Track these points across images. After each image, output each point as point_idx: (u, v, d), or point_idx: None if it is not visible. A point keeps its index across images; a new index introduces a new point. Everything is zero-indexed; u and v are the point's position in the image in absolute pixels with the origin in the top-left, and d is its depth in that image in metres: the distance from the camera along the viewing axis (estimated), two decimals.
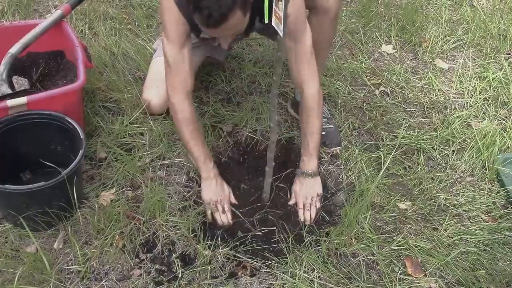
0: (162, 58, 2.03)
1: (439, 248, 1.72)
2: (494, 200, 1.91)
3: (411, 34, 2.73)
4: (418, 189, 1.93)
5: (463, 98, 2.39)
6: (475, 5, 3.03)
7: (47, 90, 1.86)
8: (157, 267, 1.60)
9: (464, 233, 1.77)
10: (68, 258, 1.59)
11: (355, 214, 1.75)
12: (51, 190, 1.54)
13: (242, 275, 1.60)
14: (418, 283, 1.61)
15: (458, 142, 2.13)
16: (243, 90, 2.28)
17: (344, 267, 1.64)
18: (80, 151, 1.60)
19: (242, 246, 1.68)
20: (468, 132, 2.18)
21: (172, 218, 1.72)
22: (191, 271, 1.59)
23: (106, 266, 1.58)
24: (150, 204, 1.72)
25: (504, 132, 2.18)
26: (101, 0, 2.79)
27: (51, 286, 1.51)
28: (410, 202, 1.87)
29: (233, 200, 1.82)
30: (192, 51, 1.95)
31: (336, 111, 2.23)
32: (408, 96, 2.37)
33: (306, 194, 1.81)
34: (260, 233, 1.74)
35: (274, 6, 1.30)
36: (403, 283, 1.61)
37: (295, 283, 1.56)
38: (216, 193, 1.76)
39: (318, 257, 1.65)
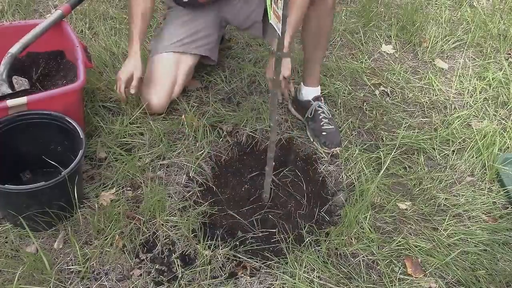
0: (158, 56, 2.05)
1: (439, 248, 1.72)
2: (494, 200, 1.91)
3: (411, 34, 2.73)
4: (418, 189, 1.93)
5: (463, 98, 2.39)
6: (475, 5, 3.03)
7: (47, 90, 1.86)
8: (157, 267, 1.60)
9: (464, 233, 1.77)
10: (68, 258, 1.59)
11: (355, 214, 1.75)
12: (51, 190, 1.53)
13: (242, 275, 1.60)
14: (418, 283, 1.61)
15: (458, 142, 2.13)
16: (243, 90, 2.28)
17: (344, 267, 1.64)
18: (80, 151, 1.60)
19: (242, 246, 1.68)
20: (468, 132, 2.18)
21: (172, 218, 1.72)
22: (191, 271, 1.59)
23: (106, 266, 1.58)
24: (150, 204, 1.72)
25: (504, 132, 2.18)
26: (101, 0, 2.79)
27: (51, 286, 1.51)
28: (410, 202, 1.87)
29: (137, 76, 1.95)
30: (184, 56, 2.06)
31: (336, 111, 2.23)
32: (408, 96, 2.37)
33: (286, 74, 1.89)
34: (260, 233, 1.74)
35: (273, 4, 1.30)
36: (403, 283, 1.61)
37: (295, 283, 1.56)
38: (125, 70, 1.94)
39: (318, 257, 1.65)
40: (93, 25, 2.58)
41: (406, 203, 1.87)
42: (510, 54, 2.69)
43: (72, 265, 1.57)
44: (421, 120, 2.25)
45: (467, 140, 2.14)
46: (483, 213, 1.86)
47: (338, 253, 1.68)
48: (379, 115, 2.25)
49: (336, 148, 2.03)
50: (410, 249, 1.70)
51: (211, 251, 1.63)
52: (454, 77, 2.51)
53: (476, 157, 2.06)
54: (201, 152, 1.96)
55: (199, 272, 1.58)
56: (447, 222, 1.80)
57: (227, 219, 1.78)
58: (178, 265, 1.60)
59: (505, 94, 2.40)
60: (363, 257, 1.67)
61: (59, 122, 1.71)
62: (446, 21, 2.87)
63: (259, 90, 2.30)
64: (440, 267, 1.66)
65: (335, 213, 1.83)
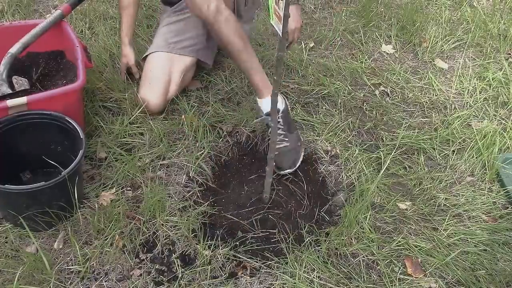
0: (151, 56, 2.06)
1: (439, 248, 1.72)
2: (494, 200, 1.91)
3: (411, 34, 2.73)
4: (418, 189, 1.93)
5: (463, 98, 2.39)
6: (475, 5, 3.04)
7: (47, 90, 1.86)
8: (157, 267, 1.60)
9: (464, 233, 1.77)
10: (68, 258, 1.59)
11: (355, 214, 1.75)
12: (51, 190, 1.53)
13: (242, 275, 1.60)
14: (418, 283, 1.61)
15: (458, 142, 2.13)
16: (243, 90, 2.28)
17: (344, 267, 1.64)
18: (80, 151, 1.60)
19: (242, 246, 1.68)
20: (468, 132, 2.18)
21: (172, 218, 1.72)
22: (191, 271, 1.59)
23: (106, 266, 1.58)
24: (150, 204, 1.73)
25: (504, 132, 2.18)
26: (101, 0, 2.79)
27: (51, 286, 1.51)
28: (410, 202, 1.87)
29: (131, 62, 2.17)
30: (176, 55, 2.08)
31: (336, 111, 2.23)
32: (408, 96, 2.37)
33: (295, 25, 1.96)
34: (260, 233, 1.74)
35: (274, 5, 1.30)
36: (403, 283, 1.61)
37: (295, 283, 1.56)
38: (121, 61, 2.20)
39: (318, 257, 1.65)
40: (93, 25, 2.58)
41: (406, 203, 1.87)
42: (510, 54, 2.69)
43: (72, 265, 1.57)
44: (421, 120, 2.25)
45: (467, 140, 2.14)
46: (483, 213, 1.86)
47: (338, 253, 1.68)
48: (379, 115, 2.25)
49: (288, 170, 1.90)
50: (410, 249, 1.70)
51: (211, 251, 1.63)
52: (454, 77, 2.51)
53: (476, 157, 2.06)
54: (201, 152, 1.96)
55: (199, 272, 1.58)
56: (447, 222, 1.80)
57: (227, 219, 1.78)
58: (178, 265, 1.60)
59: (505, 94, 2.40)
60: (363, 257, 1.67)
61: (59, 122, 1.71)
62: (446, 21, 2.87)
63: None
64: (440, 267, 1.66)
65: (335, 213, 1.83)
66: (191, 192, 1.84)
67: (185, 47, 2.11)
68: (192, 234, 1.68)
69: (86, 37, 2.50)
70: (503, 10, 3.01)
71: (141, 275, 1.57)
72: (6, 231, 1.64)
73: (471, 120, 2.27)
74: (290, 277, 1.58)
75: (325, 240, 1.70)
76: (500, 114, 2.30)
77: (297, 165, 1.93)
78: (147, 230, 1.69)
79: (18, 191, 1.52)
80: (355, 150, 2.03)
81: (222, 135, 2.06)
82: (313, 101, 2.28)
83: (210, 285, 1.56)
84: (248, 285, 1.57)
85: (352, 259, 1.66)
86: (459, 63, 2.59)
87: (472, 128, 2.21)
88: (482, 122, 2.25)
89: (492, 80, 2.47)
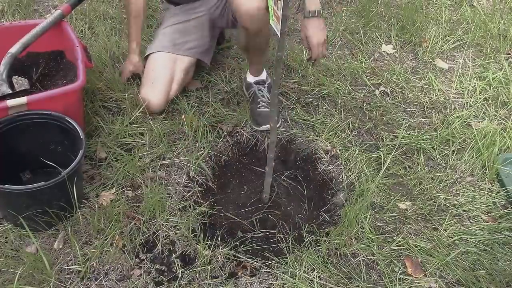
0: (153, 56, 2.08)
1: (439, 248, 1.72)
2: (494, 200, 1.91)
3: (411, 34, 2.73)
4: (418, 189, 1.93)
5: (463, 98, 2.39)
6: (475, 5, 3.03)
7: (47, 90, 1.86)
8: (157, 267, 1.60)
9: (464, 233, 1.77)
10: (68, 258, 1.59)
11: (355, 214, 1.75)
12: (51, 190, 1.53)
13: (242, 275, 1.60)
14: (418, 283, 1.61)
15: (458, 142, 2.13)
16: (243, 90, 2.28)
17: (344, 267, 1.64)
18: (80, 151, 1.60)
19: (242, 246, 1.68)
20: (468, 132, 2.18)
21: (172, 218, 1.72)
22: (191, 271, 1.59)
23: (106, 266, 1.58)
24: (150, 204, 1.72)
25: (504, 132, 2.18)
26: (101, 0, 2.79)
27: (51, 286, 1.51)
28: (410, 202, 1.87)
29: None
30: (184, 59, 2.11)
31: (336, 111, 2.23)
32: (408, 96, 2.37)
33: (318, 40, 1.83)
34: (260, 233, 1.74)
35: (273, 5, 1.30)
36: (403, 283, 1.61)
37: (295, 283, 1.56)
38: (126, 68, 2.19)
39: (318, 257, 1.65)
40: (93, 25, 2.58)
41: (406, 203, 1.87)
42: (510, 54, 2.69)
43: (72, 265, 1.57)
44: (421, 120, 2.25)
45: (467, 140, 2.14)
46: (483, 213, 1.86)
47: (338, 253, 1.68)
48: (379, 115, 2.25)
49: (265, 126, 2.08)
50: (410, 249, 1.70)
51: (211, 251, 1.63)
52: (454, 77, 2.51)
53: (476, 157, 2.06)
54: (201, 152, 1.96)
55: (199, 272, 1.58)
56: (447, 222, 1.80)
57: (227, 219, 1.78)
58: (178, 265, 1.60)
59: (505, 94, 2.40)
60: (363, 257, 1.67)
61: (59, 122, 1.71)
62: (446, 21, 2.87)
63: None
64: (440, 267, 1.66)
65: (335, 213, 1.83)
66: (191, 192, 1.83)
67: (190, 48, 2.14)
68: (192, 234, 1.68)
69: (86, 37, 2.50)
70: (503, 10, 3.01)
71: (141, 275, 1.57)
72: (6, 231, 1.64)
73: (471, 120, 2.27)
74: (290, 277, 1.58)
75: (325, 240, 1.70)
76: (500, 114, 2.30)
77: (279, 123, 2.14)
78: (147, 230, 1.69)
79: (18, 191, 1.52)
80: (355, 150, 2.03)
81: (222, 135, 2.06)
82: (313, 101, 2.28)
83: (210, 285, 1.56)
84: (248, 285, 1.57)
85: (352, 259, 1.66)
86: (459, 63, 2.59)
87: (472, 128, 2.21)
88: (482, 122, 2.25)
89: (492, 80, 2.47)
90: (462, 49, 2.70)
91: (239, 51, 2.47)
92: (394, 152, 2.03)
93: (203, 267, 1.59)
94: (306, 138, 2.09)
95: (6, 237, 1.63)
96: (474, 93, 2.41)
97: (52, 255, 1.59)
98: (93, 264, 1.57)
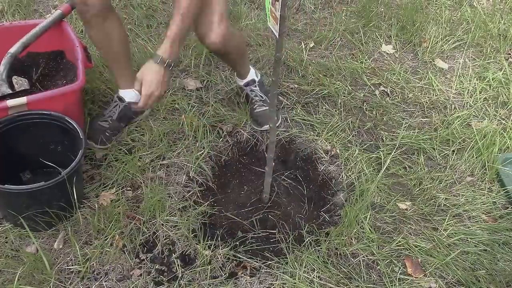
0: None
1: (439, 248, 1.72)
2: (494, 200, 1.91)
3: (411, 34, 2.73)
4: (418, 189, 1.93)
5: (463, 98, 2.39)
6: (475, 5, 3.03)
7: (47, 90, 1.86)
8: (157, 267, 1.60)
9: (464, 233, 1.77)
10: (68, 258, 1.59)
11: (355, 214, 1.75)
12: (51, 190, 1.53)
13: (242, 275, 1.60)
14: (418, 283, 1.61)
15: (458, 142, 2.13)
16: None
17: (344, 267, 1.64)
18: (80, 151, 1.60)
19: (242, 246, 1.68)
20: (468, 132, 2.18)
21: (172, 218, 1.72)
22: (191, 271, 1.59)
23: (106, 266, 1.58)
24: (150, 204, 1.72)
25: (504, 132, 2.18)
26: None
27: (51, 286, 1.51)
28: (410, 202, 1.87)
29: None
30: None
31: (336, 111, 2.23)
32: (408, 96, 2.37)
33: (151, 91, 1.55)
34: (260, 233, 1.74)
35: (271, 6, 1.29)
36: (403, 283, 1.61)
37: (295, 283, 1.56)
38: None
39: (318, 257, 1.65)
40: None
41: (406, 203, 1.87)
42: (510, 54, 2.69)
43: (72, 265, 1.57)
44: (421, 120, 2.25)
45: (467, 140, 2.14)
46: (483, 213, 1.86)
47: (338, 253, 1.68)
48: (379, 115, 2.25)
49: (266, 126, 2.06)
50: (410, 249, 1.70)
51: (211, 251, 1.63)
52: (454, 77, 2.51)
53: (476, 157, 2.06)
54: (201, 152, 1.96)
55: (199, 272, 1.58)
56: (447, 222, 1.80)
57: (227, 219, 1.78)
58: (178, 265, 1.60)
59: (505, 94, 2.40)
60: (363, 257, 1.67)
61: (59, 122, 1.71)
62: (446, 21, 2.87)
63: None
64: (440, 267, 1.66)
65: (335, 213, 1.83)
66: (191, 192, 1.83)
67: None
68: (192, 234, 1.68)
69: (86, 37, 2.50)
70: (503, 10, 3.01)
71: (141, 275, 1.57)
72: (6, 231, 1.64)
73: (471, 120, 2.27)
74: (290, 277, 1.58)
75: (325, 240, 1.70)
76: (500, 114, 2.30)
77: (279, 122, 2.12)
78: (147, 230, 1.69)
79: (18, 191, 1.52)
80: (355, 150, 2.03)
81: (222, 135, 2.06)
82: (313, 101, 2.28)
83: (210, 285, 1.56)
84: (248, 285, 1.57)
85: (352, 259, 1.66)
86: (459, 63, 2.59)
87: (472, 128, 2.21)
88: (482, 122, 2.25)
89: (492, 80, 2.47)
90: (462, 49, 2.70)
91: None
92: (394, 152, 2.03)
93: (203, 267, 1.59)
94: (306, 138, 2.09)
95: (6, 237, 1.63)
96: (474, 93, 2.41)
97: (52, 255, 1.59)
98: (93, 264, 1.57)
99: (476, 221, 1.83)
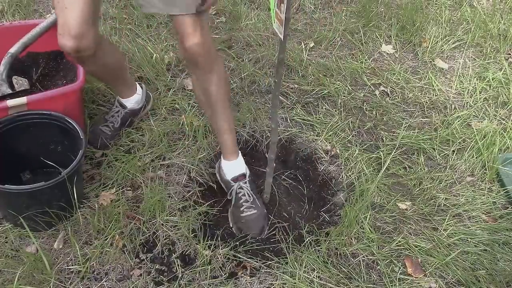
0: None
1: (439, 248, 1.72)
2: (494, 200, 1.91)
3: (411, 34, 2.73)
4: (418, 189, 1.93)
5: (463, 98, 2.39)
6: (475, 5, 3.03)
7: (47, 90, 1.86)
8: (157, 267, 1.60)
9: (464, 233, 1.77)
10: (68, 258, 1.59)
11: (355, 214, 1.75)
12: (51, 190, 1.53)
13: (242, 275, 1.60)
14: (418, 283, 1.61)
15: (458, 142, 2.13)
16: (243, 90, 2.28)
17: (344, 267, 1.64)
18: (80, 151, 1.60)
19: (242, 246, 1.68)
20: (468, 132, 2.18)
21: (172, 218, 1.72)
22: (191, 271, 1.59)
23: (106, 266, 1.58)
24: (150, 204, 1.72)
25: (504, 132, 2.18)
26: (101, 0, 2.79)
27: (51, 286, 1.51)
28: (410, 202, 1.87)
29: None
30: None
31: (336, 111, 2.23)
32: (408, 96, 2.37)
33: None
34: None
35: (276, 9, 1.30)
36: (403, 283, 1.61)
37: (295, 283, 1.56)
38: None
39: (318, 257, 1.65)
40: None
41: (406, 203, 1.87)
42: (510, 54, 2.69)
43: (72, 265, 1.57)
44: (421, 120, 2.25)
45: (467, 140, 2.14)
46: (483, 213, 1.86)
47: (338, 253, 1.68)
48: (379, 115, 2.25)
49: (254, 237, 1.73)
50: (410, 249, 1.70)
51: (211, 251, 1.63)
52: (454, 77, 2.51)
53: (476, 157, 2.06)
54: (201, 152, 1.96)
55: (199, 272, 1.58)
56: (447, 222, 1.80)
57: (227, 219, 1.78)
58: (178, 265, 1.60)
59: (505, 94, 2.40)
60: (363, 257, 1.67)
61: (59, 122, 1.71)
62: (446, 21, 2.87)
63: (259, 90, 2.30)
64: (440, 267, 1.66)
65: (335, 213, 1.83)
66: (191, 192, 1.83)
67: None
68: (192, 234, 1.68)
69: None
70: (503, 10, 3.01)
71: (141, 275, 1.57)
72: (6, 231, 1.64)
73: (471, 120, 2.27)
74: (290, 277, 1.58)
75: (325, 240, 1.70)
76: (500, 114, 2.30)
77: (265, 233, 1.73)
78: (147, 230, 1.69)
79: (18, 191, 1.52)
80: (355, 150, 2.03)
81: None
82: (313, 101, 2.28)
83: (210, 285, 1.56)
84: (248, 285, 1.57)
85: (352, 259, 1.66)
86: (459, 63, 2.59)
87: (472, 128, 2.21)
88: (482, 122, 2.25)
89: (492, 80, 2.47)
90: (462, 49, 2.70)
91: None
92: (394, 152, 2.03)
93: (203, 267, 1.59)
94: (306, 138, 2.09)
95: (6, 237, 1.63)
96: (474, 93, 2.41)
97: (52, 255, 1.59)
98: (93, 264, 1.57)
99: (476, 221, 1.83)
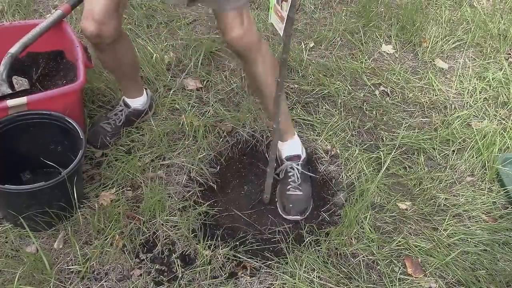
0: None
1: (439, 248, 1.72)
2: (494, 200, 1.91)
3: (411, 34, 2.73)
4: (418, 189, 1.93)
5: (463, 98, 2.39)
6: (475, 5, 3.03)
7: (47, 90, 1.86)
8: (157, 267, 1.60)
9: (464, 233, 1.77)
10: (68, 258, 1.59)
11: (355, 214, 1.75)
12: (51, 190, 1.54)
13: (242, 275, 1.60)
14: (418, 283, 1.61)
15: (458, 142, 2.13)
16: (243, 90, 2.28)
17: (344, 267, 1.64)
18: (80, 151, 1.60)
19: (242, 246, 1.68)
20: (468, 132, 2.18)
21: (172, 218, 1.72)
22: (191, 271, 1.59)
23: (106, 266, 1.58)
24: (150, 204, 1.72)
25: (504, 132, 2.18)
26: None
27: (51, 286, 1.51)
28: (410, 202, 1.87)
29: None
30: None
31: (336, 111, 2.23)
32: (408, 96, 2.37)
33: None
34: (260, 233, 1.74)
35: (276, 3, 1.29)
36: (403, 283, 1.61)
37: (295, 283, 1.56)
38: None
39: (318, 257, 1.65)
40: None
41: (406, 203, 1.87)
42: (510, 54, 2.69)
43: (72, 265, 1.57)
44: (421, 120, 2.25)
45: (467, 140, 2.14)
46: (483, 213, 1.86)
47: (338, 253, 1.68)
48: (379, 115, 2.25)
49: (295, 217, 1.78)
50: (410, 249, 1.70)
51: (211, 251, 1.63)
52: (454, 77, 2.51)
53: (476, 157, 2.06)
54: (201, 152, 1.96)
55: (199, 272, 1.58)
56: (447, 222, 1.80)
57: (227, 219, 1.78)
58: (178, 265, 1.60)
59: (505, 94, 2.40)
60: (363, 257, 1.67)
61: (59, 122, 1.71)
62: (446, 21, 2.87)
63: None
64: (440, 267, 1.66)
65: (335, 213, 1.83)
66: (191, 192, 1.83)
67: None
68: (192, 234, 1.68)
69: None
70: (503, 10, 3.01)
71: (141, 275, 1.57)
72: (6, 231, 1.64)
73: (471, 120, 2.27)
74: (290, 277, 1.58)
75: (325, 240, 1.70)
76: (500, 114, 2.30)
77: (306, 214, 1.80)
78: (147, 230, 1.69)
79: (18, 191, 1.52)
80: (355, 150, 2.03)
81: (222, 135, 2.06)
82: (313, 101, 2.28)
83: (210, 285, 1.56)
84: (248, 285, 1.57)
85: (352, 259, 1.66)
86: (459, 63, 2.59)
87: (472, 128, 2.21)
88: (482, 122, 2.25)
89: (492, 80, 2.47)
90: (462, 49, 2.70)
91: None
92: (394, 152, 2.03)
93: (203, 267, 1.59)
94: (306, 138, 2.09)
95: (6, 237, 1.63)
96: (474, 93, 2.41)
97: (52, 255, 1.59)
98: (93, 264, 1.58)
99: (476, 221, 1.83)
